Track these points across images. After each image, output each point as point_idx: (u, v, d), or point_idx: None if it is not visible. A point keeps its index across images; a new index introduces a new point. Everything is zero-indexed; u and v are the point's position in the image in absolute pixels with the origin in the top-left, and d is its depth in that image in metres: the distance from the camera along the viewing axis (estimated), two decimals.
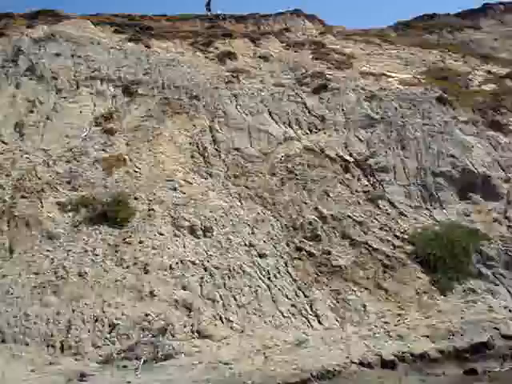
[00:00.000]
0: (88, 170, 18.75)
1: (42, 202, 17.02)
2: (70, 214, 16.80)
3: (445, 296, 15.38)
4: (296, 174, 19.46)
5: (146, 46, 28.94)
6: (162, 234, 16.14)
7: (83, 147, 19.97)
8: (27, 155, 19.33)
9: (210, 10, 39.61)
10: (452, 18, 44.00)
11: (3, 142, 20.21)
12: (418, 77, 27.42)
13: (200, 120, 22.00)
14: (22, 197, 17.17)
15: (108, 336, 12.86)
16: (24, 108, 22.16)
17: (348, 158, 20.49)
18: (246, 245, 16.22)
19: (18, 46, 26.25)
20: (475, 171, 19.49)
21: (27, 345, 12.62)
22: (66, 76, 24.29)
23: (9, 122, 21.28)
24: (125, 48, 27.95)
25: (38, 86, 23.48)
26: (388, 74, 27.40)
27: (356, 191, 19.01)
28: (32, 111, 21.98)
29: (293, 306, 14.46)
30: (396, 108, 22.72)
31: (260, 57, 29.24)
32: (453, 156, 20.10)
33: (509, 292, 15.44)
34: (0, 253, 15.34)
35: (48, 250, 15.40)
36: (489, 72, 28.97)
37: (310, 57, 29.70)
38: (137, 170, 18.94)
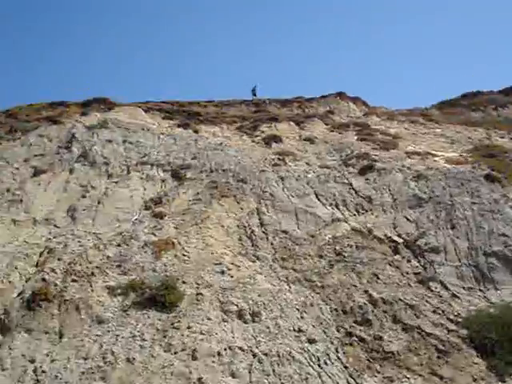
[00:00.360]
0: (137, 253, 18.98)
1: (92, 286, 17.18)
2: (120, 298, 16.88)
3: (503, 382, 14.63)
4: (344, 256, 19.26)
5: (195, 131, 29.88)
6: (209, 319, 16.00)
7: (133, 231, 20.35)
8: (79, 239, 19.77)
9: (255, 95, 40.80)
10: (495, 94, 44.18)
11: (56, 226, 20.81)
12: (465, 155, 27.32)
13: (247, 203, 22.25)
14: (73, 280, 17.39)
15: None
16: (76, 193, 22.93)
17: (397, 238, 20.25)
18: (294, 330, 15.92)
19: (72, 133, 27.50)
20: None
21: None
22: (118, 161, 25.15)
23: (61, 207, 21.99)
24: (174, 133, 28.91)
25: (91, 172, 24.35)
26: (434, 152, 27.41)
27: (406, 273, 18.65)
28: (84, 196, 22.71)
29: None
30: (444, 187, 22.55)
31: (305, 139, 29.77)
32: (504, 235, 19.63)
33: None
34: (50, 337, 15.41)
35: (97, 335, 15.40)
36: None
37: (355, 138, 30.07)
38: (185, 253, 19.08)
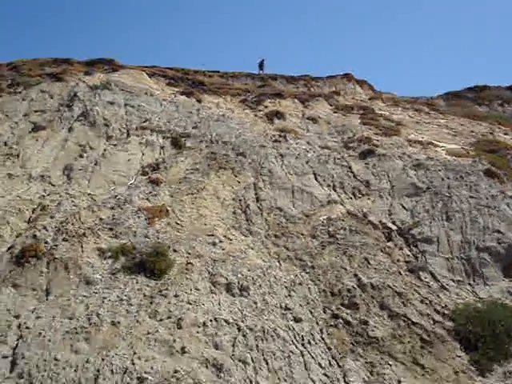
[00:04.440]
0: (130, 218, 18.90)
1: (82, 247, 17.13)
2: (109, 260, 16.84)
3: (484, 377, 14.70)
4: (337, 239, 19.23)
5: (198, 101, 29.63)
6: (197, 290, 15.99)
7: (128, 195, 20.25)
8: (73, 199, 19.68)
9: (262, 70, 40.49)
10: (503, 90, 43.97)
11: (51, 184, 20.69)
12: (466, 148, 27.22)
13: (245, 177, 22.14)
14: (64, 240, 17.33)
15: None
16: (74, 152, 22.77)
17: (391, 225, 20.22)
18: (281, 307, 15.94)
19: (74, 91, 27.23)
20: None
21: None
22: (118, 124, 24.96)
23: (58, 165, 21.85)
24: (177, 101, 28.66)
25: (90, 132, 24.16)
26: (436, 143, 27.28)
27: (397, 261, 18.65)
28: (81, 156, 22.56)
29: (325, 375, 14.00)
30: (443, 178, 22.47)
31: (308, 118, 29.56)
32: (499, 231, 19.60)
33: None
34: (37, 294, 15.39)
35: (84, 296, 15.38)
36: None
37: (358, 121, 29.88)
38: (178, 222, 19.02)
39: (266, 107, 30.68)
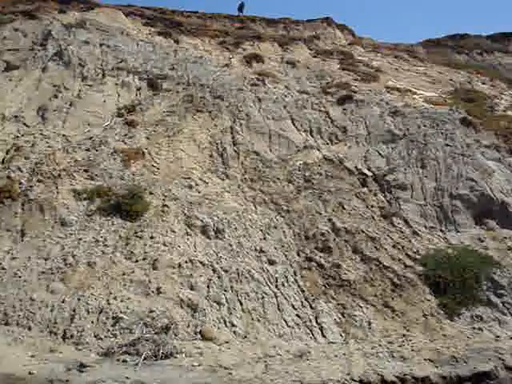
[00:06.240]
0: (106, 160, 18.77)
1: (57, 188, 17.04)
2: (85, 202, 16.81)
3: (452, 321, 15.17)
4: (313, 183, 19.35)
5: (175, 42, 29.09)
6: (173, 232, 16.09)
7: (104, 137, 20.05)
8: (47, 140, 19.44)
9: (242, 12, 39.73)
10: (483, 39, 43.79)
11: (25, 125, 20.34)
12: (444, 96, 27.27)
13: (222, 120, 22.00)
14: (39, 181, 17.22)
15: (111, 329, 12.81)
16: (48, 92, 22.33)
17: (366, 171, 20.37)
18: (256, 250, 16.15)
19: (48, 30, 26.47)
20: (493, 197, 19.24)
21: (30, 329, 12.63)
22: (93, 64, 24.45)
23: (32, 105, 21.44)
24: (153, 41, 28.10)
25: (64, 72, 23.65)
26: (414, 90, 27.26)
27: (371, 206, 18.87)
28: (56, 96, 22.14)
29: (298, 316, 14.35)
30: (419, 126, 22.55)
31: (287, 62, 29.24)
32: (472, 180, 19.87)
33: None
34: (12, 235, 15.37)
35: (59, 237, 15.42)
36: None
37: (337, 66, 29.66)
38: (154, 164, 18.94)
39: (245, 50, 30.23)
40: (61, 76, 23.35)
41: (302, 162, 20.33)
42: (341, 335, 14.09)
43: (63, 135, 19.95)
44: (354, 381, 11.73)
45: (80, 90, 22.83)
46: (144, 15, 32.64)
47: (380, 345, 13.64)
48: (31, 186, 16.95)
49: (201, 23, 35.17)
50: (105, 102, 22.36)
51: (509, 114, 25.76)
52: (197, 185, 18.32)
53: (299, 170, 19.95)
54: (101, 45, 26.09)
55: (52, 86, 22.72)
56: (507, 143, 22.12)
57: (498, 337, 14.46)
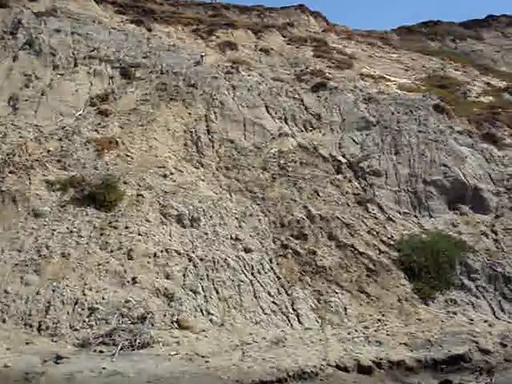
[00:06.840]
0: (79, 149, 18.57)
1: (30, 179, 16.81)
2: (58, 193, 16.63)
3: (426, 305, 15.41)
4: (288, 171, 19.38)
5: (148, 29, 28.82)
6: (148, 221, 16.02)
7: (76, 126, 19.82)
8: (19, 130, 19.15)
9: (215, 0, 39.52)
10: (456, 26, 44.15)
11: None
12: (417, 83, 27.48)
13: (196, 109, 21.87)
14: (11, 172, 16.98)
15: (86, 319, 12.76)
16: (20, 82, 21.98)
17: (341, 158, 20.44)
18: (232, 238, 16.16)
19: (18, 18, 26.00)
20: (466, 182, 19.49)
21: (4, 322, 12.51)
22: (65, 53, 24.12)
23: (3, 95, 21.10)
24: (126, 29, 27.80)
25: (36, 61, 23.30)
26: (387, 77, 27.40)
27: (346, 193, 18.97)
28: (27, 86, 21.80)
29: (274, 303, 14.43)
30: (392, 112, 22.70)
31: (261, 50, 29.18)
32: (445, 165, 20.07)
33: (490, 306, 15.49)
34: None
35: (33, 228, 15.26)
36: (488, 84, 29.02)
37: (311, 54, 29.67)
38: (128, 154, 18.79)
39: (218, 37, 30.06)
40: (32, 65, 22.99)
41: (276, 150, 20.33)
42: (317, 321, 14.22)
43: (35, 125, 19.67)
44: (331, 366, 11.85)
45: (52, 80, 22.52)
46: (116, 3, 32.21)
47: (356, 330, 13.80)
48: (3, 177, 16.71)
49: (174, 11, 34.87)
50: (77, 91, 22.08)
51: (481, 100, 26.06)
52: (171, 174, 18.22)
53: (274, 158, 19.95)
54: (72, 33, 25.73)
55: (23, 76, 22.36)
56: (479, 129, 22.40)
57: (472, 320, 14.74)
